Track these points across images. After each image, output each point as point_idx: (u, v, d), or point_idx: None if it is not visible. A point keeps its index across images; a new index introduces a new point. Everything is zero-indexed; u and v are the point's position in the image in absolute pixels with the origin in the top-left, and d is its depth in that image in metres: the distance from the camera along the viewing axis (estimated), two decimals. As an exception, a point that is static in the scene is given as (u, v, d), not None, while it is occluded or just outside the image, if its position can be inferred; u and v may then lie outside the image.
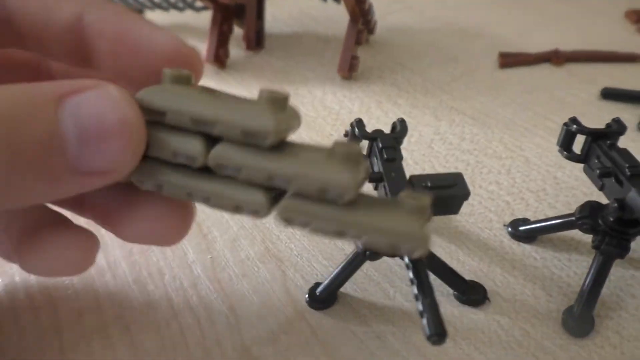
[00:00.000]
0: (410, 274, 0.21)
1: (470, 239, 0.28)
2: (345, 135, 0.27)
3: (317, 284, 0.26)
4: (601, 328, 0.24)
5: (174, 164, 0.17)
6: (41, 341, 0.24)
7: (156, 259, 0.27)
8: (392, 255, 0.25)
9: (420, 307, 0.20)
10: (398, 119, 0.26)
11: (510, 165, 0.33)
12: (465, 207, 0.30)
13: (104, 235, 0.29)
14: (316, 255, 0.27)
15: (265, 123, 0.15)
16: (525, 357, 0.23)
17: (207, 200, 0.17)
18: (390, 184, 0.24)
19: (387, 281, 0.26)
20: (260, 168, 0.16)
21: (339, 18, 0.46)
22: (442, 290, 0.25)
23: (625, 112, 0.38)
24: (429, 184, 0.23)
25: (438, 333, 0.19)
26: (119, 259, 0.27)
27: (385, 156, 0.25)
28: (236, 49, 0.45)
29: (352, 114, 0.38)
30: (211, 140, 0.16)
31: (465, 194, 0.23)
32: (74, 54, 0.19)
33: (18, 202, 0.16)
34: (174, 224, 0.19)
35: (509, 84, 0.42)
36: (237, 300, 0.25)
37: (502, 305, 0.25)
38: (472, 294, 0.25)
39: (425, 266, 0.22)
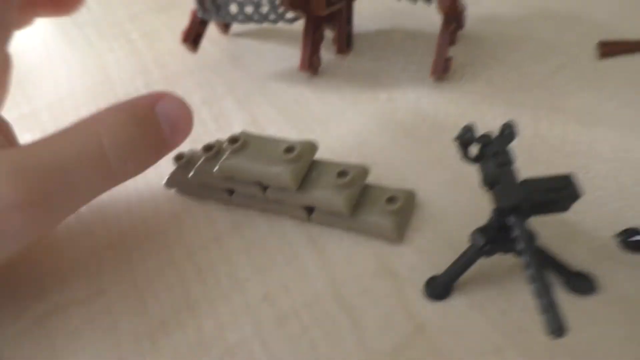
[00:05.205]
0: (529, 272, 0.22)
1: (581, 249, 0.29)
2: (457, 139, 0.27)
3: (433, 278, 0.28)
4: None
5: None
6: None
7: (278, 276, 0.30)
8: (507, 251, 0.27)
9: (540, 306, 0.21)
10: (508, 122, 0.26)
11: (619, 168, 0.33)
12: (573, 216, 0.30)
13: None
14: (431, 269, 0.29)
15: (287, 181, 0.30)
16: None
17: None
18: (504, 186, 0.25)
19: (501, 276, 0.28)
20: (289, 201, 0.31)
21: (428, 11, 0.46)
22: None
23: None
24: (542, 187, 0.24)
25: (559, 328, 0.20)
26: (249, 276, 0.30)
27: (498, 160, 0.25)
28: (327, 53, 0.46)
29: (448, 118, 0.39)
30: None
31: (576, 195, 0.24)
32: None
33: (129, 174, 0.29)
34: None
35: (611, 76, 0.40)
36: (360, 315, 0.27)
37: (625, 316, 0.26)
38: (580, 281, 0.27)
39: (543, 266, 0.23)
